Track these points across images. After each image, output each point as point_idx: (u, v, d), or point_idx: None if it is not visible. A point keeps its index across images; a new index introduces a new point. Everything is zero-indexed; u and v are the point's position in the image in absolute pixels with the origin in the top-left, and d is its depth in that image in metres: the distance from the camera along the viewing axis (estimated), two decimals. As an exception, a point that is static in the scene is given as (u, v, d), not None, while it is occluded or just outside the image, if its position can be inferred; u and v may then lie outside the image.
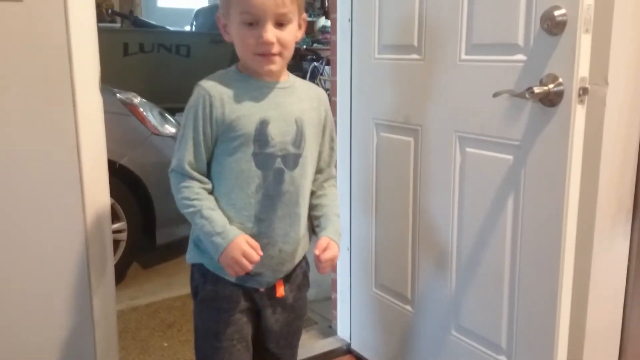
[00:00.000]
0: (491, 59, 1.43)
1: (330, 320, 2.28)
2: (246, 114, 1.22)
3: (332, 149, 1.38)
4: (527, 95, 1.28)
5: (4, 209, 1.50)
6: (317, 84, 5.94)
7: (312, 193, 1.37)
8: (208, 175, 1.28)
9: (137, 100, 2.71)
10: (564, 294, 1.37)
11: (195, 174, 1.24)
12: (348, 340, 2.14)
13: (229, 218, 1.25)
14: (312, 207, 1.37)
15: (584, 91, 1.26)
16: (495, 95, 1.36)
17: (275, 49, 1.19)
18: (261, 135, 1.22)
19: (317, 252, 1.27)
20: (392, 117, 1.78)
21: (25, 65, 1.46)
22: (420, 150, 1.70)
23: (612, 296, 1.51)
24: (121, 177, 2.50)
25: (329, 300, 2.27)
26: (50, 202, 1.55)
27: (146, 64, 4.95)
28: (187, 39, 5.43)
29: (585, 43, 1.24)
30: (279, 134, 1.24)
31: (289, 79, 1.30)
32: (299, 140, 1.27)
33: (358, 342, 2.10)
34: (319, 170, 1.37)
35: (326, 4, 6.57)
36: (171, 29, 5.98)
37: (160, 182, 2.57)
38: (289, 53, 1.23)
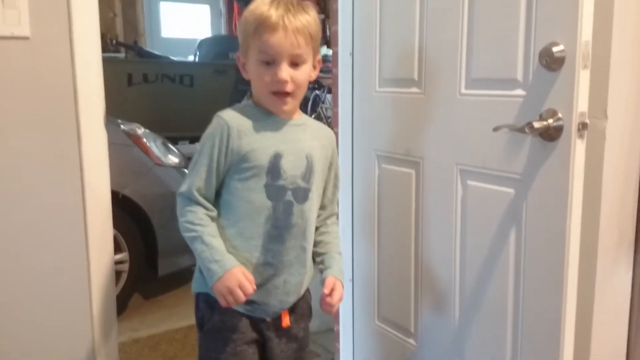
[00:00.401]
0: (491, 93, 1.45)
1: (332, 352, 2.26)
2: (261, 146, 1.27)
3: (335, 186, 1.44)
4: (526, 130, 1.29)
5: (8, 239, 1.51)
6: (319, 112, 5.99)
7: (315, 229, 1.40)
8: (218, 203, 1.31)
9: (140, 131, 2.73)
10: (567, 328, 1.36)
11: (202, 200, 1.28)
12: (351, 373, 2.12)
13: (236, 247, 1.28)
14: (315, 243, 1.40)
15: (583, 126, 1.27)
16: (496, 129, 1.38)
17: (289, 87, 1.25)
18: (274, 168, 1.27)
19: (326, 291, 1.32)
20: (394, 149, 1.80)
21: (32, 101, 1.49)
22: (421, 182, 1.71)
23: (616, 329, 1.50)
24: (124, 208, 2.50)
25: (331, 332, 2.26)
26: (53, 233, 1.56)
27: (150, 94, 5.01)
28: (191, 69, 5.50)
29: (583, 79, 1.26)
30: (291, 168, 1.29)
31: (301, 118, 1.37)
32: (308, 175, 1.31)
33: (361, 375, 2.08)
34: (322, 207, 1.41)
35: (328, 33, 6.65)
36: (175, 59, 6.06)
37: (163, 213, 2.58)
38: (301, 92, 1.29)
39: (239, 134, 1.25)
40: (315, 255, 1.40)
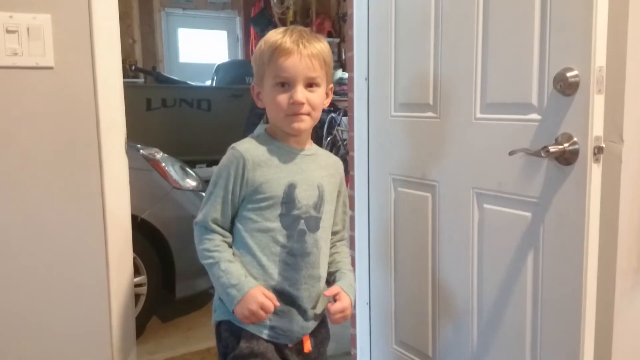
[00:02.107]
0: (506, 117, 1.46)
1: (349, 376, 2.25)
2: (275, 177, 1.29)
3: (344, 213, 1.47)
4: (542, 154, 1.30)
5: (29, 263, 1.53)
6: (335, 134, 6.02)
7: None
8: (232, 232, 1.34)
9: (159, 155, 2.77)
10: (586, 352, 1.35)
11: (218, 229, 1.31)
12: (368, 398, 2.10)
13: (253, 275, 1.30)
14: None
15: (599, 150, 1.27)
16: (511, 153, 1.38)
17: (305, 109, 1.28)
18: (289, 198, 1.30)
19: (327, 293, 1.34)
20: (409, 173, 1.81)
21: (55, 128, 1.52)
22: (438, 206, 1.71)
23: (635, 353, 1.48)
24: (142, 231, 2.53)
25: (349, 356, 2.25)
26: (75, 257, 1.58)
27: (168, 119, 5.06)
28: (208, 94, 5.55)
29: (598, 103, 1.26)
30: (305, 197, 1.31)
31: (312, 147, 1.39)
32: (320, 204, 1.34)
33: (378, 400, 2.06)
34: (334, 233, 1.44)
35: (343, 57, 6.71)
36: (192, 84, 6.13)
37: (181, 236, 2.59)
38: (316, 114, 1.32)
39: (254, 166, 1.28)
40: (327, 274, 1.42)
